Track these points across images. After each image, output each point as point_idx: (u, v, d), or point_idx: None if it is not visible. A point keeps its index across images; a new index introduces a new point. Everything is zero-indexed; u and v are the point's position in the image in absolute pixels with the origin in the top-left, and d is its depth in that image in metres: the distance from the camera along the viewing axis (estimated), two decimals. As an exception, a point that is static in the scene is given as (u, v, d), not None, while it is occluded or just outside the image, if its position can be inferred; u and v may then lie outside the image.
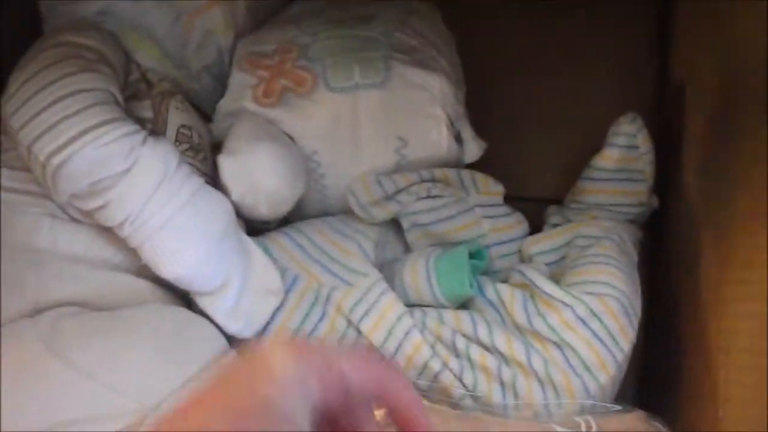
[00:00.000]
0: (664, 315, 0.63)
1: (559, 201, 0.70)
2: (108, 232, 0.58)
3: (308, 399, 0.34)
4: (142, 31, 0.64)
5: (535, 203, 0.71)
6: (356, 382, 0.36)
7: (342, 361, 0.36)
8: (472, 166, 0.68)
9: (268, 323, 0.59)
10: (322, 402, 0.35)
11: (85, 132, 0.53)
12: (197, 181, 0.57)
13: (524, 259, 0.66)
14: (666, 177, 0.68)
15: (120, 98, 0.57)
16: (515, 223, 0.67)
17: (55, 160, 0.53)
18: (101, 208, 0.55)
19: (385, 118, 0.63)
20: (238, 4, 0.69)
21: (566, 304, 0.57)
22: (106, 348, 0.54)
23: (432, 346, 0.57)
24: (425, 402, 0.55)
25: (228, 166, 0.59)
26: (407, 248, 0.66)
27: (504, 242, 0.66)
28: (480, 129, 0.68)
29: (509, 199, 0.68)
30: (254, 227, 0.63)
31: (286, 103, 0.63)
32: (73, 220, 0.58)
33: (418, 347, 0.57)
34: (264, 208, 0.60)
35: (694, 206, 0.62)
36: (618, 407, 0.56)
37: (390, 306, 0.58)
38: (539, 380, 0.56)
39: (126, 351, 0.54)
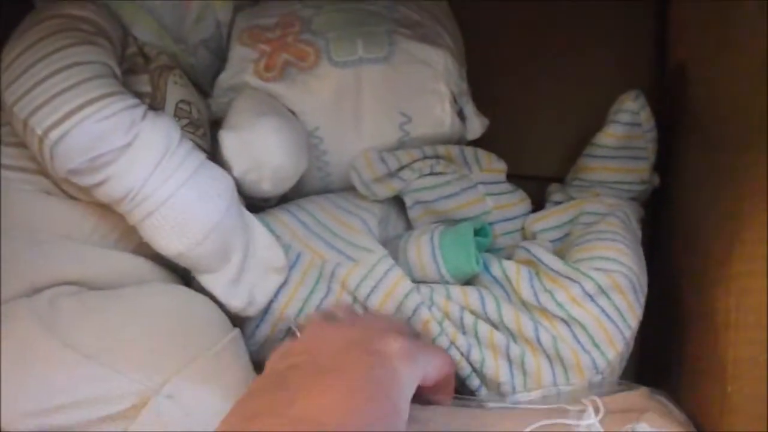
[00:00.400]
0: (664, 293, 0.63)
1: (559, 179, 0.70)
2: (105, 209, 0.56)
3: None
4: (138, 3, 0.62)
5: (536, 181, 0.71)
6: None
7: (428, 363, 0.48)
8: (473, 144, 0.67)
9: (271, 301, 0.58)
10: None
11: (84, 105, 0.51)
12: (199, 157, 0.56)
13: (527, 236, 0.65)
14: (665, 155, 0.68)
15: (118, 72, 0.56)
16: (518, 201, 0.66)
17: (54, 135, 0.51)
18: (101, 184, 0.53)
19: (389, 94, 0.62)
20: (236, -24, 0.68)
21: (574, 281, 0.56)
22: (105, 328, 0.53)
23: (440, 323, 0.56)
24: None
25: (230, 141, 0.58)
26: (409, 225, 0.65)
27: (507, 219, 0.65)
28: (480, 107, 0.67)
29: (509, 177, 0.68)
30: (253, 204, 0.62)
31: (289, 77, 0.62)
32: (69, 197, 0.57)
33: (426, 324, 0.56)
34: (267, 185, 0.59)
35: (698, 184, 0.62)
36: (622, 384, 0.56)
37: (397, 282, 0.57)
38: (548, 357, 0.56)
39: (126, 331, 0.52)
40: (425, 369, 0.48)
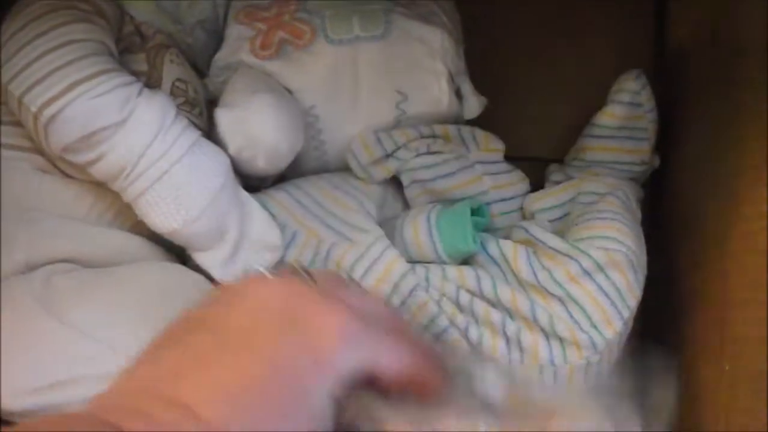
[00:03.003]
0: (663, 273, 0.63)
1: (559, 160, 0.69)
2: (101, 188, 0.56)
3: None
4: (135, -18, 0.62)
5: (535, 162, 0.70)
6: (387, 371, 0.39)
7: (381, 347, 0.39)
8: (471, 124, 0.66)
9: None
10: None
11: (78, 82, 0.51)
12: (194, 134, 0.56)
13: (526, 216, 0.65)
14: (665, 135, 0.67)
15: (114, 50, 0.56)
16: (517, 180, 0.66)
17: (48, 112, 0.51)
18: (95, 161, 0.53)
19: (385, 72, 0.62)
20: (232, -43, 0.67)
21: (572, 258, 0.56)
22: (100, 306, 0.53)
23: (438, 303, 0.56)
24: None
25: (225, 119, 0.58)
26: (406, 205, 0.64)
27: (505, 199, 0.65)
28: (478, 87, 0.67)
29: (508, 159, 0.67)
30: (250, 185, 0.62)
31: (284, 55, 0.61)
32: (65, 175, 0.57)
33: (423, 305, 0.56)
34: (262, 162, 0.58)
35: (697, 163, 0.62)
36: None
37: (393, 263, 0.57)
38: (545, 334, 0.55)
39: (121, 309, 0.53)
40: (374, 357, 0.38)
